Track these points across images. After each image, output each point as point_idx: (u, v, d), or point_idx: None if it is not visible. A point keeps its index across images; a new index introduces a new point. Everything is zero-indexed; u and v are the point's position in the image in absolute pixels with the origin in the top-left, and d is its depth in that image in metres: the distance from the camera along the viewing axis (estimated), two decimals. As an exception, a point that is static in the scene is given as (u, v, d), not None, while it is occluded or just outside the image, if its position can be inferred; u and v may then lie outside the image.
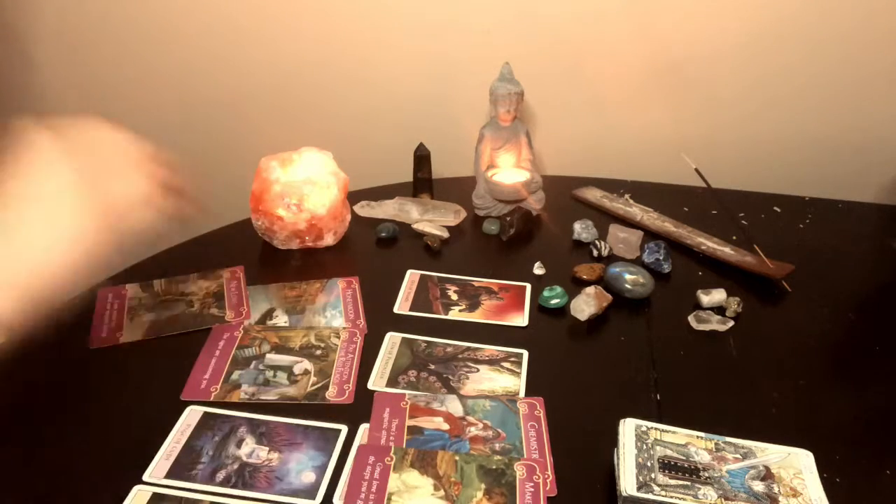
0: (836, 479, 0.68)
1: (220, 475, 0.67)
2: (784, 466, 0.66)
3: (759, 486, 0.63)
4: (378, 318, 0.89)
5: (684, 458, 0.65)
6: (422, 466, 0.68)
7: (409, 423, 0.74)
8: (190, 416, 0.74)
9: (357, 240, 1.07)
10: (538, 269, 1.00)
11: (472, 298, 0.94)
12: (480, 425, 0.74)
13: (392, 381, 0.79)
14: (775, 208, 1.19)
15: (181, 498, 0.65)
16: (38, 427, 0.73)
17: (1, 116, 1.43)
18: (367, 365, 0.82)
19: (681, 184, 1.23)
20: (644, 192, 1.21)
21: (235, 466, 0.68)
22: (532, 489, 0.66)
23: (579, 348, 0.87)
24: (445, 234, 1.07)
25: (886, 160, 1.25)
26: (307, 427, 0.73)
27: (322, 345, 0.85)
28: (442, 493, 0.66)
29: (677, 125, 1.27)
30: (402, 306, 0.92)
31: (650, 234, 1.08)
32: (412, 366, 0.82)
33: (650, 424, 0.68)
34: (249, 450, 0.70)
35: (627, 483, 0.62)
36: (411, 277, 0.98)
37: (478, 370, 0.82)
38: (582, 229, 1.07)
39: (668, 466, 0.64)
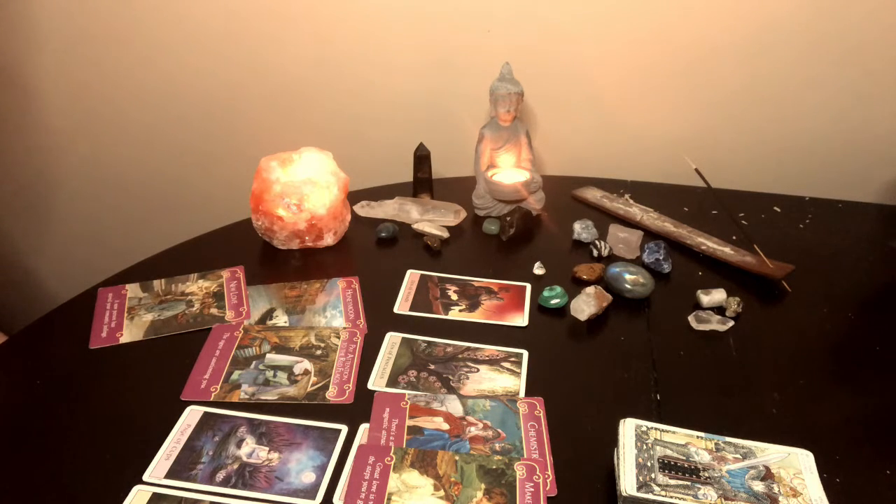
0: (836, 479, 0.68)
1: (220, 475, 0.67)
2: (784, 466, 0.66)
3: (759, 486, 0.63)
4: (378, 318, 0.89)
5: (684, 458, 0.65)
6: (422, 466, 0.68)
7: (409, 423, 0.74)
8: (190, 416, 0.74)
9: (357, 240, 1.07)
10: (538, 269, 1.00)
11: (472, 298, 0.94)
12: (480, 425, 0.74)
13: (392, 381, 0.79)
14: (775, 208, 1.19)
15: (181, 498, 0.65)
16: (39, 427, 0.73)
17: (2, 116, 1.43)
18: (367, 365, 0.82)
19: (681, 184, 1.23)
20: (644, 192, 1.21)
21: (235, 466, 0.68)
22: (532, 489, 0.66)
23: (579, 348, 0.87)
24: (445, 234, 1.07)
25: (886, 160, 1.25)
26: (307, 427, 0.73)
27: (322, 345, 0.85)
28: (442, 493, 0.66)
29: (677, 125, 1.28)
30: (402, 306, 0.92)
31: (650, 234, 1.08)
32: (412, 366, 0.82)
33: (650, 424, 0.68)
34: (249, 450, 0.70)
35: (627, 483, 0.62)
36: (411, 277, 0.98)
37: (478, 370, 0.82)
38: (582, 229, 1.07)
39: (668, 466, 0.64)
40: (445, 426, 0.73)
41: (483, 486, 0.66)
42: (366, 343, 0.85)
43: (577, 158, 1.33)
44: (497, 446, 0.71)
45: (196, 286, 0.94)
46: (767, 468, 0.65)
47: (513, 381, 0.80)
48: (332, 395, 0.77)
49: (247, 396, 0.77)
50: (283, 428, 0.73)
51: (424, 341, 0.86)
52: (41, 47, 1.34)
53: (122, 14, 1.29)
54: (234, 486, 0.66)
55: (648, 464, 0.64)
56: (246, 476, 0.67)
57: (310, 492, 0.66)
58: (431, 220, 1.10)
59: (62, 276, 1.58)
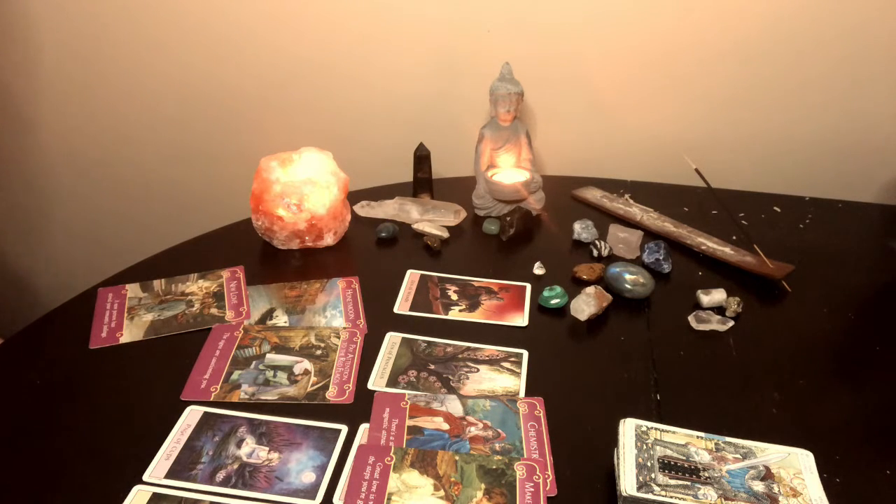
0: (836, 479, 0.68)
1: (220, 475, 0.67)
2: (784, 466, 0.66)
3: (759, 486, 0.63)
4: (378, 318, 0.89)
5: (684, 458, 0.65)
6: (422, 466, 0.68)
7: (409, 423, 0.74)
8: (190, 416, 0.74)
9: (357, 240, 1.07)
10: (538, 269, 1.00)
11: (472, 298, 0.94)
12: (480, 425, 0.74)
13: (392, 381, 0.79)
14: (775, 208, 1.19)
15: (181, 498, 0.65)
16: (39, 427, 0.73)
17: (1, 118, 1.43)
18: (367, 365, 0.82)
19: (681, 184, 1.23)
20: (644, 192, 1.21)
21: (235, 466, 0.68)
22: (532, 489, 0.66)
23: (579, 348, 0.87)
24: (445, 234, 1.07)
25: (886, 160, 1.25)
26: (307, 427, 0.73)
27: (322, 345, 0.85)
28: (442, 493, 0.66)
29: (677, 125, 1.28)
30: (402, 306, 0.92)
31: (650, 234, 1.08)
32: (412, 366, 0.82)
33: (650, 424, 0.68)
34: (249, 450, 0.70)
35: (627, 483, 0.62)
36: (411, 277, 0.98)
37: (478, 370, 0.82)
38: (582, 229, 1.07)
39: (668, 466, 0.64)
40: (445, 426, 0.73)
41: (483, 486, 0.66)
42: (366, 343, 0.85)
43: (577, 158, 1.33)
44: (497, 446, 0.71)
45: (196, 286, 0.94)
46: (767, 468, 0.65)
47: (513, 381, 0.80)
48: (332, 395, 0.77)
49: (247, 396, 0.77)
50: (283, 428, 0.73)
51: (424, 341, 0.86)
52: (38, 49, 1.34)
53: (121, 15, 1.29)
54: (234, 486, 0.66)
55: (648, 464, 0.64)
56: (246, 476, 0.67)
57: (310, 492, 0.66)
58: (431, 220, 1.10)
59: (62, 277, 1.58)
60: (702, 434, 0.68)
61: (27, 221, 1.54)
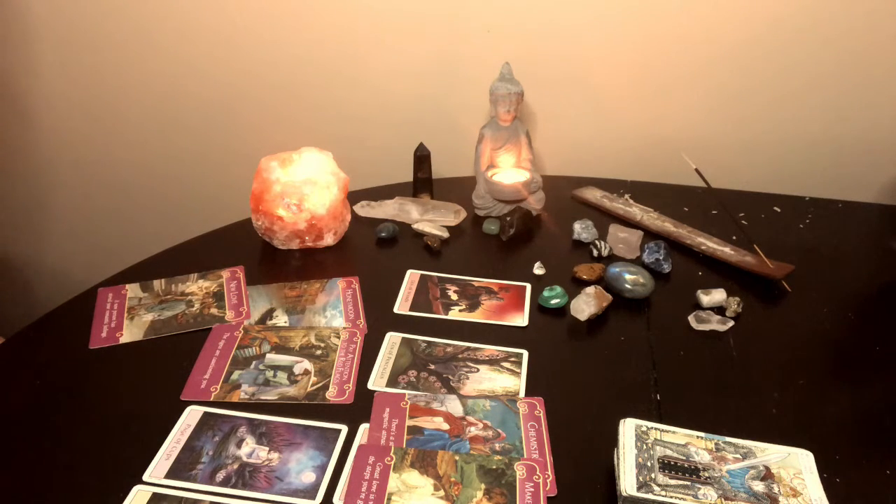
0: (836, 479, 0.68)
1: (220, 475, 0.67)
2: (784, 466, 0.66)
3: (759, 486, 0.63)
4: (378, 318, 0.89)
5: (684, 458, 0.65)
6: (422, 466, 0.68)
7: (409, 423, 0.74)
8: (190, 416, 0.74)
9: (357, 240, 1.07)
10: (538, 269, 1.00)
11: (472, 298, 0.94)
12: (480, 425, 0.74)
13: (392, 381, 0.79)
14: (775, 208, 1.19)
15: (181, 498, 0.65)
16: (38, 427, 0.73)
17: (1, 119, 1.43)
18: (367, 365, 0.82)
19: (681, 184, 1.23)
20: (644, 192, 1.21)
21: (235, 466, 0.68)
22: (532, 489, 0.66)
23: (579, 348, 0.87)
24: (445, 234, 1.07)
25: (886, 160, 1.25)
26: (307, 427, 0.73)
27: (322, 345, 0.85)
28: (442, 493, 0.66)
29: (677, 125, 1.28)
30: (402, 306, 0.92)
31: (650, 234, 1.08)
32: (412, 366, 0.82)
33: (650, 424, 0.68)
34: (249, 450, 0.70)
35: (627, 483, 0.62)
36: (411, 277, 0.98)
37: (478, 370, 0.82)
38: (582, 229, 1.07)
39: (668, 466, 0.64)
40: (445, 426, 0.73)
41: (483, 486, 0.66)
42: (366, 343, 0.85)
43: (577, 158, 1.33)
44: (497, 446, 0.71)
45: (196, 286, 0.94)
46: (767, 468, 0.65)
47: (513, 381, 0.80)
48: (332, 395, 0.77)
49: (247, 396, 0.77)
50: (283, 428, 0.73)
51: (424, 341, 0.86)
52: (38, 50, 1.34)
53: (121, 15, 1.29)
54: (234, 486, 0.66)
55: (648, 464, 0.64)
56: (246, 476, 0.67)
57: (310, 492, 0.66)
58: (431, 220, 1.10)
59: (62, 276, 1.58)
60: (702, 434, 0.68)
61: (27, 221, 1.54)
